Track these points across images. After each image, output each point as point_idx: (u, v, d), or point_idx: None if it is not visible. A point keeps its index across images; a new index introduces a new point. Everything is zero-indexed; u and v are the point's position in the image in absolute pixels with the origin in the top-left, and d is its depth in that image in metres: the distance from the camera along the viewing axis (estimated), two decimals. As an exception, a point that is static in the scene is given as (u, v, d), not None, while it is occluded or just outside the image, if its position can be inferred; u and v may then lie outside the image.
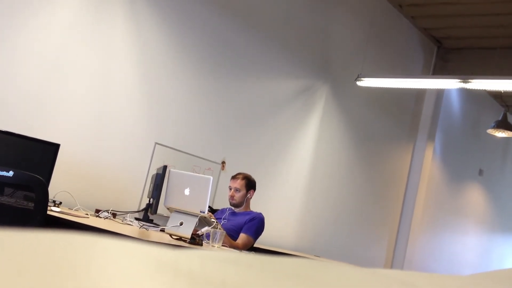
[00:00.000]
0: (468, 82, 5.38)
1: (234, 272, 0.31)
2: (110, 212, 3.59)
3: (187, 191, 3.00)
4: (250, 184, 3.80)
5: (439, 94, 7.66)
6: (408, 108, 7.59)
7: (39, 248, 0.25)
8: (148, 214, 3.75)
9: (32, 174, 2.50)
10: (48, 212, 2.68)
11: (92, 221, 2.96)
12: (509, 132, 6.76)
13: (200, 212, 2.90)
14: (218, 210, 4.05)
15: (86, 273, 0.24)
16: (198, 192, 2.98)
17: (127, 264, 0.26)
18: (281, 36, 5.52)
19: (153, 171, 4.19)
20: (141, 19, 4.29)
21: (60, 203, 3.35)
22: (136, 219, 3.73)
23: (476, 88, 5.71)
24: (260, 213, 3.73)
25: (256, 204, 4.11)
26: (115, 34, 4.14)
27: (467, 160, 8.56)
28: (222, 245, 3.04)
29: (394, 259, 7.50)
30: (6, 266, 0.23)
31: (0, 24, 3.55)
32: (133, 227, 3.27)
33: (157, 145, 4.49)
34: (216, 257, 0.35)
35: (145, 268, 0.26)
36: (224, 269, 0.31)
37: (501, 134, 6.89)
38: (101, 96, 4.10)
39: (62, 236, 0.28)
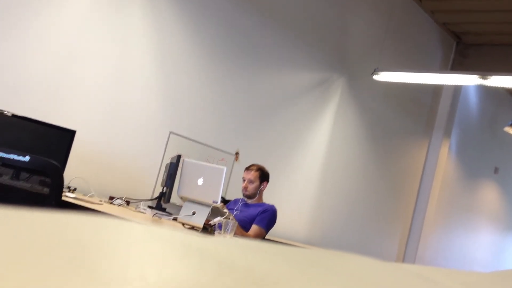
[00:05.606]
0: (487, 78, 5.31)
1: (260, 259, 0.31)
2: (124, 200, 3.61)
3: (200, 181, 3.00)
4: (263, 176, 3.79)
5: (457, 90, 7.57)
6: (424, 104, 7.52)
7: (68, 229, 0.25)
8: (161, 203, 3.76)
9: (48, 159, 2.52)
10: (63, 198, 2.70)
11: (106, 208, 2.99)
12: (526, 130, 6.67)
13: (213, 202, 2.91)
14: (230, 200, 4.05)
15: (115, 254, 0.23)
16: (211, 182, 2.98)
17: (155, 247, 0.26)
18: (298, 28, 5.48)
19: (167, 160, 4.20)
20: (159, 9, 4.29)
21: (75, 189, 3.38)
22: (149, 207, 3.75)
23: (494, 85, 5.63)
24: (273, 205, 3.73)
25: (269, 195, 4.10)
26: (132, 22, 4.15)
27: (482, 157, 8.47)
28: (234, 236, 3.04)
29: (406, 255, 7.47)
30: (36, 245, 0.22)
31: (17, 11, 3.57)
32: (146, 215, 3.29)
33: (171, 134, 4.50)
34: (241, 245, 0.34)
35: (173, 252, 0.26)
36: (250, 256, 0.31)
37: (518, 132, 6.79)
38: (117, 84, 4.11)
39: (89, 217, 0.28)
